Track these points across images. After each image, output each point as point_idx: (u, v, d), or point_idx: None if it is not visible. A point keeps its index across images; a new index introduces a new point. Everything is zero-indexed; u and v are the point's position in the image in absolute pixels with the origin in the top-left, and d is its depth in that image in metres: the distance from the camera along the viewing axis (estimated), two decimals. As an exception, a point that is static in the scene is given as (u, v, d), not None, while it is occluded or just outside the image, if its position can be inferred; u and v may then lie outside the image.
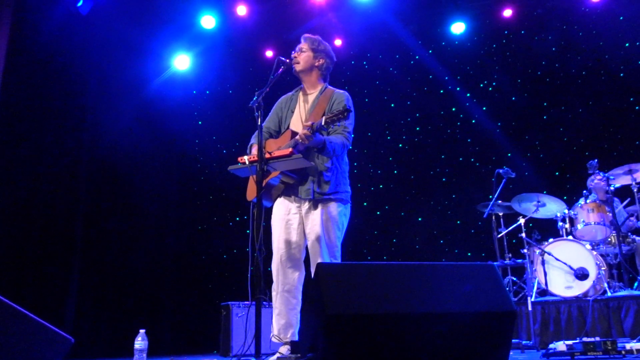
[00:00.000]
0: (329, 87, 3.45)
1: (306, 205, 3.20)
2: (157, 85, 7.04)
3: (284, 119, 3.40)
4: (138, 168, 6.60)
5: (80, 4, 5.78)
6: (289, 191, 3.22)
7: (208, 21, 6.95)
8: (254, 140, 3.26)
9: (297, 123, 3.26)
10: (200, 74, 7.31)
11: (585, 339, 3.09)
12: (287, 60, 3.21)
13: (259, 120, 2.79)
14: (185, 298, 6.75)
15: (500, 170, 5.27)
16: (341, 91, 3.39)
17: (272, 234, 3.28)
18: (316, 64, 3.41)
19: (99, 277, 6.03)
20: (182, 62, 7.17)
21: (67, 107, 5.91)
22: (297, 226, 3.22)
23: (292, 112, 3.36)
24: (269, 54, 7.46)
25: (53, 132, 5.74)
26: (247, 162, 2.81)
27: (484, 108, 7.44)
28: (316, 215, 3.15)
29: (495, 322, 1.95)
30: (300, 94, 3.45)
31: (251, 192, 3.23)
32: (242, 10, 6.92)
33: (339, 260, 3.18)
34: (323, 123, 2.88)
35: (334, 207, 3.20)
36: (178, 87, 7.20)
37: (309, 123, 2.91)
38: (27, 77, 5.37)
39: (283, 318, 3.15)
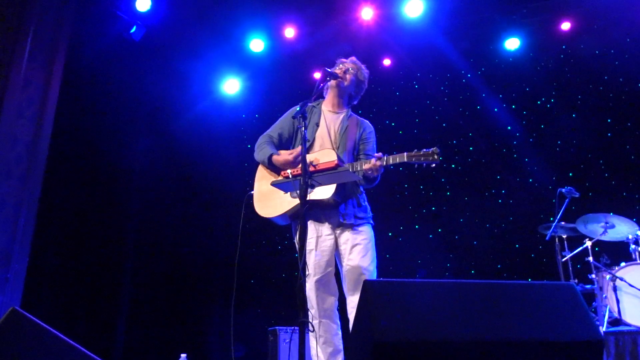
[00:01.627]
0: (352, 112, 3.45)
1: (340, 228, 3.09)
2: (206, 108, 7.10)
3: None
4: (186, 190, 6.62)
5: (133, 30, 5.92)
6: (321, 213, 3.08)
7: (257, 45, 6.98)
8: (269, 147, 3.18)
9: (325, 139, 3.23)
10: (249, 97, 7.34)
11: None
12: (338, 74, 3.15)
13: (304, 130, 2.66)
14: (232, 322, 6.64)
15: (563, 190, 4.94)
16: (366, 120, 3.44)
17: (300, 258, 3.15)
18: (353, 90, 3.41)
19: (147, 302, 6.02)
20: (231, 86, 7.23)
21: (118, 129, 6.02)
22: (331, 250, 3.11)
23: (317, 125, 3.28)
24: (317, 75, 7.41)
25: (104, 154, 5.84)
26: (290, 176, 2.68)
27: (542, 126, 7.08)
28: (357, 235, 3.07)
29: (579, 353, 1.63)
30: (325, 109, 3.39)
31: (266, 206, 3.09)
32: (290, 32, 6.93)
33: None
34: (406, 159, 2.84)
35: (369, 231, 3.13)
36: (227, 110, 7.24)
37: (379, 155, 2.89)
38: (81, 102, 5.50)
39: (330, 346, 3.01)
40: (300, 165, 2.74)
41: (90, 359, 2.25)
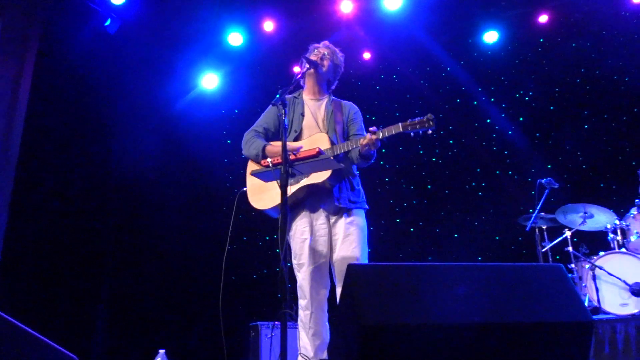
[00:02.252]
0: (333, 97, 3.41)
1: (336, 215, 3.03)
2: (185, 104, 6.99)
3: (291, 122, 3.28)
4: (166, 187, 6.52)
5: (108, 23, 5.79)
6: (315, 201, 3.04)
7: (235, 38, 6.89)
8: (260, 139, 3.14)
9: (313, 127, 3.19)
10: (228, 92, 7.23)
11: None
12: (316, 60, 3.10)
13: (284, 118, 2.60)
14: (212, 318, 6.56)
15: (543, 181, 4.97)
16: (349, 102, 3.41)
17: (293, 249, 3.09)
18: (331, 75, 3.38)
19: (126, 296, 5.92)
20: (210, 81, 7.12)
21: (95, 125, 5.90)
22: (326, 238, 3.04)
23: (302, 115, 3.24)
24: (297, 69, 7.34)
25: (80, 150, 5.71)
26: (270, 165, 2.63)
27: (521, 119, 7.13)
28: (350, 225, 3.01)
29: (569, 334, 1.60)
30: (307, 98, 3.35)
31: (260, 199, 3.06)
32: (269, 26, 6.85)
33: None
34: (401, 129, 2.81)
35: (362, 216, 3.08)
36: (206, 106, 7.14)
37: (373, 129, 2.85)
38: (55, 95, 5.36)
39: (319, 338, 2.96)
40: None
41: (64, 356, 2.19)
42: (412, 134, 2.82)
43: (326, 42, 3.44)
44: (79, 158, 5.70)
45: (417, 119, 2.80)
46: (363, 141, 2.87)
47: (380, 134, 2.85)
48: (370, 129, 2.89)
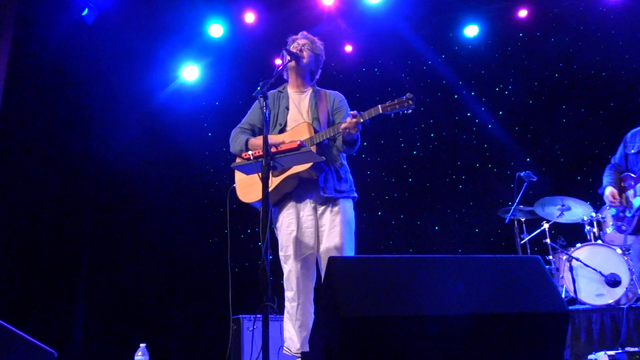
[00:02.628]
0: (317, 87, 3.39)
1: (323, 205, 3.02)
2: (165, 96, 6.91)
3: (276, 116, 3.25)
4: (145, 180, 6.45)
5: (85, 13, 5.69)
6: (301, 192, 3.03)
7: (216, 30, 6.82)
8: (244, 134, 3.13)
9: (298, 120, 3.16)
10: (209, 84, 7.17)
11: (629, 349, 2.81)
12: (297, 52, 3.08)
13: (266, 110, 2.59)
14: (194, 311, 6.53)
15: (522, 174, 5.02)
16: (334, 91, 3.39)
17: (280, 241, 3.08)
18: (313, 65, 3.35)
19: (105, 291, 5.86)
20: (190, 72, 7.04)
21: (72, 118, 5.79)
22: (313, 230, 3.04)
23: (287, 109, 3.23)
24: (278, 62, 7.30)
25: (58, 143, 5.61)
26: (251, 158, 2.61)
27: (500, 112, 7.21)
28: (336, 216, 3.00)
29: (545, 324, 1.63)
30: (291, 91, 3.33)
31: (248, 192, 3.05)
32: (250, 17, 6.80)
33: None
34: (381, 111, 2.80)
35: (349, 207, 3.07)
36: (187, 98, 7.07)
37: (354, 112, 2.84)
38: (31, 86, 5.26)
39: (305, 330, 2.95)
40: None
41: (44, 351, 2.16)
42: (392, 114, 2.82)
43: (304, 33, 3.41)
44: (56, 151, 5.60)
45: (396, 100, 2.81)
46: (344, 125, 2.87)
47: (361, 117, 2.85)
48: (351, 112, 2.89)
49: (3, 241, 4.99)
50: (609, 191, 4.25)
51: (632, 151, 4.25)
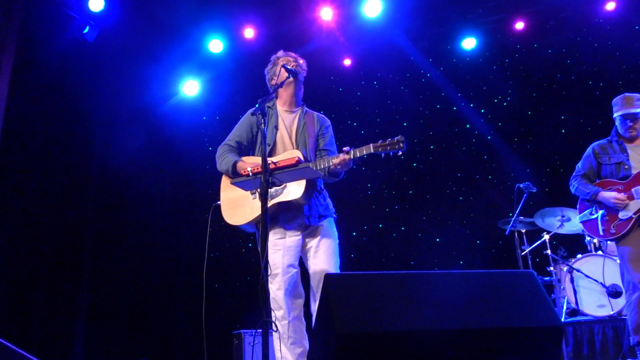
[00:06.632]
0: (306, 108, 3.42)
1: (307, 230, 3.11)
2: (166, 111, 6.96)
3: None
4: (147, 195, 6.47)
5: (86, 30, 5.75)
6: (287, 215, 3.09)
7: (216, 45, 6.89)
8: (232, 154, 3.15)
9: (286, 141, 3.23)
10: (209, 99, 7.23)
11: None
12: (297, 68, 3.12)
13: (264, 127, 2.62)
14: (195, 326, 6.52)
15: (521, 185, 5.05)
16: (322, 115, 3.43)
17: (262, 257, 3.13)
18: (303, 85, 3.41)
19: (106, 305, 5.85)
20: (191, 87, 7.10)
21: (74, 134, 5.82)
22: (296, 251, 3.11)
23: (276, 128, 3.24)
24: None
25: (60, 160, 5.64)
26: (250, 174, 2.63)
27: (500, 124, 7.24)
28: (320, 237, 3.09)
29: (539, 339, 1.64)
30: (281, 110, 3.34)
31: (234, 214, 3.08)
32: (249, 33, 6.86)
33: None
34: (372, 150, 2.85)
35: (332, 227, 3.16)
36: (187, 113, 7.11)
37: (347, 149, 2.90)
38: (33, 103, 5.29)
39: (299, 347, 3.00)
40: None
41: (21, 357, 2.14)
42: (382, 154, 2.86)
43: (281, 52, 3.44)
44: (57, 167, 5.62)
45: (387, 140, 2.86)
46: (336, 161, 2.93)
47: (352, 154, 2.90)
48: (344, 149, 2.94)
49: (2, 250, 5.00)
50: (612, 194, 4.15)
51: (611, 161, 4.22)
